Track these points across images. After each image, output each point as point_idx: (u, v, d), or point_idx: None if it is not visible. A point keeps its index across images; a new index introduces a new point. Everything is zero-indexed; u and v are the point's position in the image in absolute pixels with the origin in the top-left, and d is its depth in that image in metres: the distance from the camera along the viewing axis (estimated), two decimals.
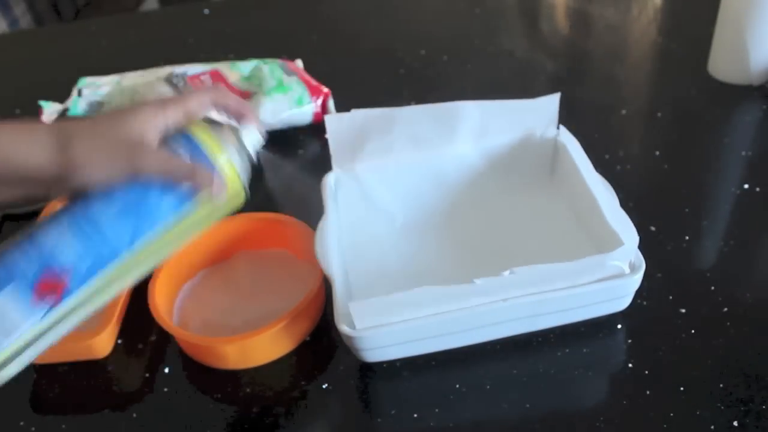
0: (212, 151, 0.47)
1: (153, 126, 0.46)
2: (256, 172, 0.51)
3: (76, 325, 0.44)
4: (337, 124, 0.63)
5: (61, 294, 0.42)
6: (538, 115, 0.66)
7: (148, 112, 0.46)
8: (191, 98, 0.48)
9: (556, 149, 0.67)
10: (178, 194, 0.46)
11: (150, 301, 0.58)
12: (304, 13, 1.13)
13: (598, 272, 0.53)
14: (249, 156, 0.50)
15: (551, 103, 0.65)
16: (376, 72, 0.96)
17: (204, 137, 0.47)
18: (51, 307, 0.42)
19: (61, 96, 0.88)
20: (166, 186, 0.45)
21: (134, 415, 0.55)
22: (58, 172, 0.44)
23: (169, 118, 0.47)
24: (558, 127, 0.67)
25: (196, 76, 0.85)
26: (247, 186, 0.49)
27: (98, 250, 0.44)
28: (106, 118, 0.47)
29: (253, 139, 0.50)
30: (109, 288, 0.45)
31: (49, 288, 0.42)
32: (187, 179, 0.46)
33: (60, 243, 0.43)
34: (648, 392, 0.52)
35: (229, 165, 0.47)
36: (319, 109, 0.83)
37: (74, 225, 0.44)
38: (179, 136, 0.47)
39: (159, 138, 0.46)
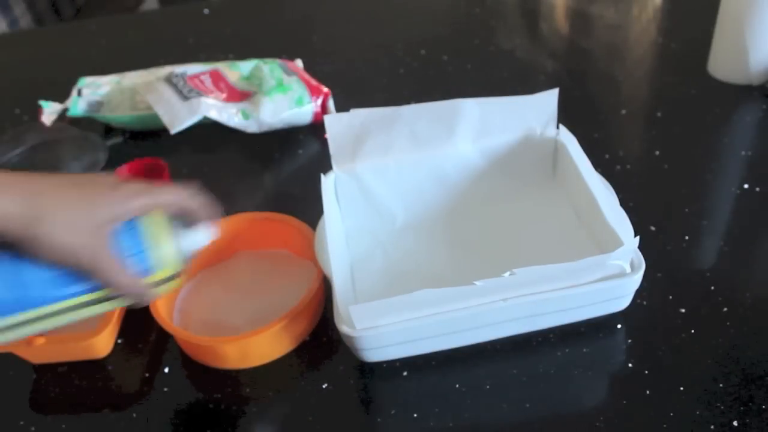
0: (156, 252, 0.47)
1: (120, 214, 0.46)
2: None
3: None
4: (336, 124, 0.63)
5: None
6: (538, 111, 0.66)
7: (120, 197, 0.46)
8: (164, 194, 0.48)
9: (556, 149, 0.67)
10: (100, 296, 0.47)
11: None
12: (304, 13, 1.13)
13: (599, 272, 0.53)
14: (186, 258, 0.50)
15: (550, 98, 0.65)
16: (376, 72, 0.96)
17: (155, 233, 0.47)
18: None
19: (61, 96, 0.88)
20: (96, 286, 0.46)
21: (134, 415, 0.55)
22: (16, 236, 0.43)
23: (137, 209, 0.47)
24: (558, 125, 0.67)
25: (196, 76, 0.85)
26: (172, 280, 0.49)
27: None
28: (80, 195, 0.45)
29: (199, 241, 0.50)
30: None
31: None
32: (121, 294, 0.47)
33: None
34: (648, 392, 0.52)
35: (165, 270, 0.48)
36: (319, 109, 0.83)
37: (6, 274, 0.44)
38: (131, 223, 0.47)
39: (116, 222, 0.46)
